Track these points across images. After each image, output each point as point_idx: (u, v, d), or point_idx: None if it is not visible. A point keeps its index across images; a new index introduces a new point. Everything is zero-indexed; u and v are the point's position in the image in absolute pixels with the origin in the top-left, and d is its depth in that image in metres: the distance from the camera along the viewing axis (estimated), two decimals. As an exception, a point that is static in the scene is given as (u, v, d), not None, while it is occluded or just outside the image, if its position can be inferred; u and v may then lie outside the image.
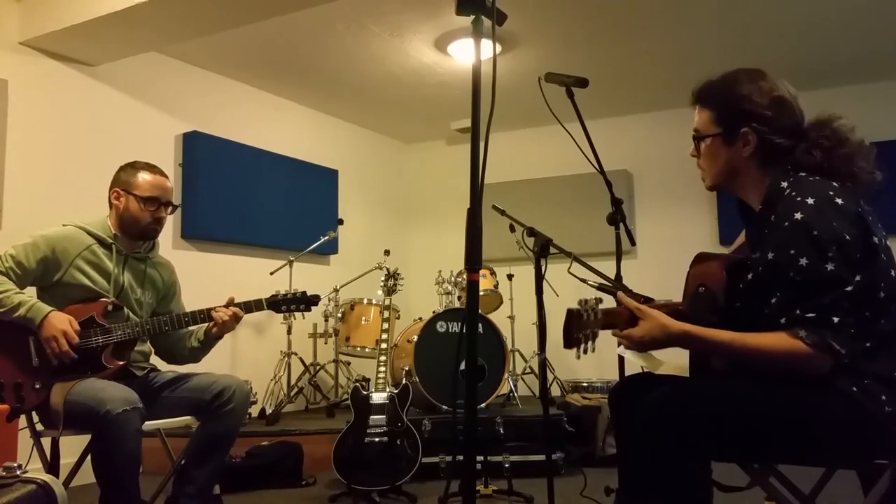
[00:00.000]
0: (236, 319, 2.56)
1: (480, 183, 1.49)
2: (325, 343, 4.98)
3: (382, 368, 3.42)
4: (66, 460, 2.48)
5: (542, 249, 2.37)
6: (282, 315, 4.56)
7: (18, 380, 2.32)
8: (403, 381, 3.54)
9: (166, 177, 2.67)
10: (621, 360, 2.64)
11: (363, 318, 4.75)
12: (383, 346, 3.51)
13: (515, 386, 4.67)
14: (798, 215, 1.52)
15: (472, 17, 1.54)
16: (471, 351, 1.52)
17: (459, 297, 4.57)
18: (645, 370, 2.01)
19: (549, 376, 4.97)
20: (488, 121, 1.51)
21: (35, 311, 2.34)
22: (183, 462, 2.54)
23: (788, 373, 1.54)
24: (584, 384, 4.89)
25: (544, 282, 2.30)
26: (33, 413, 2.45)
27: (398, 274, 3.80)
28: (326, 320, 4.96)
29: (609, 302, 1.78)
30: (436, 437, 3.70)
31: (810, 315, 1.49)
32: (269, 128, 5.25)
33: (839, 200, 1.53)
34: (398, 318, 4.64)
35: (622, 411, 1.89)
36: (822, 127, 1.66)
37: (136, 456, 2.26)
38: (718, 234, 5.46)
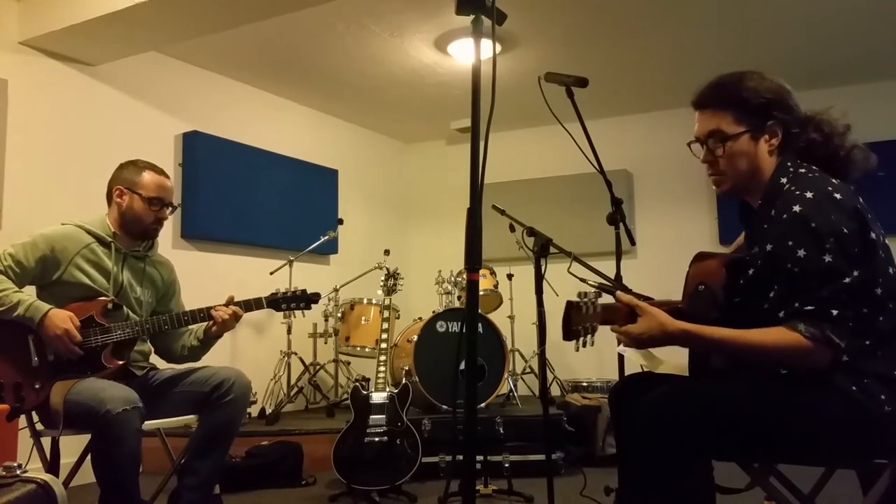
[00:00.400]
0: (236, 318, 2.56)
1: (480, 183, 1.49)
2: (325, 343, 4.99)
3: (382, 368, 3.42)
4: (66, 460, 2.48)
5: (542, 249, 2.37)
6: (282, 314, 4.57)
7: (18, 380, 2.32)
8: (403, 381, 3.54)
9: (168, 177, 2.68)
10: (621, 359, 2.64)
11: (363, 318, 4.75)
12: (383, 345, 3.51)
13: (515, 386, 4.67)
14: (797, 208, 1.53)
15: (472, 16, 1.54)
16: (471, 351, 1.52)
17: (459, 297, 4.57)
18: (645, 369, 2.02)
19: (549, 376, 4.97)
20: (488, 120, 1.51)
21: (34, 310, 2.34)
22: (185, 459, 2.54)
23: (788, 368, 1.54)
24: (584, 384, 4.89)
25: (544, 281, 2.30)
26: (33, 413, 2.44)
27: (398, 274, 3.80)
28: (326, 320, 4.96)
29: (609, 302, 1.78)
30: (436, 436, 3.70)
31: (809, 308, 1.49)
32: (269, 128, 5.25)
33: (838, 195, 1.54)
34: (398, 317, 4.64)
35: (622, 411, 1.89)
36: (816, 117, 1.71)
37: (136, 455, 2.26)
38: (718, 234, 5.45)
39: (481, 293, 4.58)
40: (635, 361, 2.21)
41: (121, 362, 2.45)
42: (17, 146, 3.68)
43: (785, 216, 1.55)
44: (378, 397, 3.34)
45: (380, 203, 6.42)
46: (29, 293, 2.43)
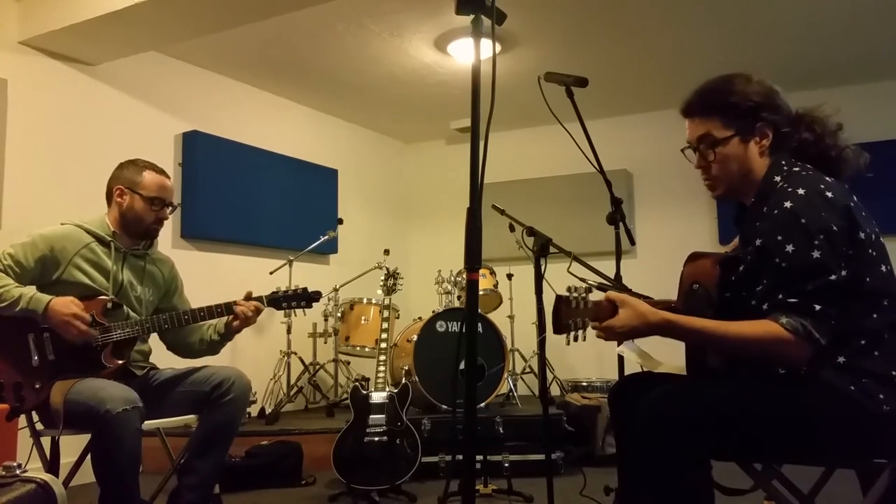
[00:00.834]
0: (258, 313, 2.58)
1: (480, 182, 1.50)
2: (325, 342, 4.99)
3: (382, 368, 3.42)
4: (66, 460, 2.48)
5: (542, 249, 2.37)
6: (282, 314, 4.58)
7: (18, 379, 2.32)
8: (403, 381, 3.54)
9: (168, 176, 2.68)
10: (621, 359, 2.65)
11: (363, 318, 4.76)
12: (383, 345, 3.51)
13: (515, 385, 4.67)
14: (788, 204, 1.54)
15: (472, 16, 1.54)
16: (470, 350, 1.52)
17: (459, 297, 4.57)
18: (644, 369, 2.02)
19: (549, 376, 4.97)
20: (488, 120, 1.52)
21: (36, 302, 2.34)
22: (185, 458, 2.54)
23: (768, 360, 1.55)
24: (584, 384, 4.89)
25: (544, 281, 2.30)
26: (33, 413, 2.44)
27: (398, 273, 3.80)
28: (326, 320, 4.97)
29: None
30: (435, 436, 3.70)
31: (792, 300, 1.50)
32: (269, 127, 5.25)
33: (829, 193, 1.55)
34: (398, 317, 4.64)
35: (622, 411, 1.89)
36: (807, 115, 1.72)
37: (136, 455, 2.26)
38: (718, 234, 5.46)
39: (481, 293, 4.57)
40: (634, 362, 2.21)
41: (121, 362, 2.45)
42: (16, 146, 3.67)
43: (776, 212, 1.56)
44: (378, 397, 3.34)
45: (380, 203, 6.42)
46: (29, 287, 2.43)
